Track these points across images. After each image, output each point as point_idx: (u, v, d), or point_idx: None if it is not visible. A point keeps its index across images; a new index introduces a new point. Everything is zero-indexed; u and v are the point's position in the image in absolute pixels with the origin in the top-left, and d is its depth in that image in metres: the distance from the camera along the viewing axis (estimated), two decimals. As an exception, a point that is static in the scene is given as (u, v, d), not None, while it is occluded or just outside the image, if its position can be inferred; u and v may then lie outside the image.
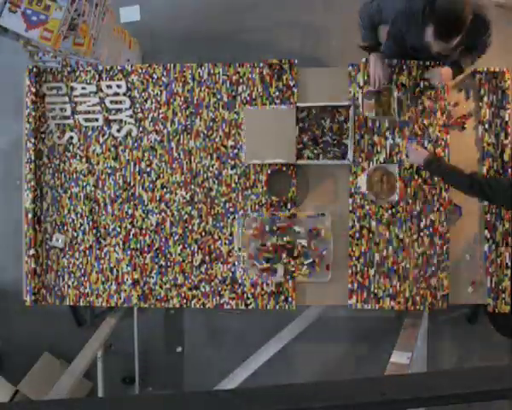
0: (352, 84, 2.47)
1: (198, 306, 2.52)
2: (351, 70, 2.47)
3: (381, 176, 2.40)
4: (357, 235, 2.45)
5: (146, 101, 2.55)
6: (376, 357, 2.78)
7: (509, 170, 2.42)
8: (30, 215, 2.55)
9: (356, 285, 2.45)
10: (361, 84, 2.46)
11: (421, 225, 2.43)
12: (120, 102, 2.56)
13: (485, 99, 2.44)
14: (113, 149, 2.56)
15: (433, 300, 2.42)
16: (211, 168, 2.51)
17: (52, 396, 2.33)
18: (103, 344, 2.88)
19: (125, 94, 2.56)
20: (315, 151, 2.44)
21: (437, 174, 2.32)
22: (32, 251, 2.55)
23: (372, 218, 2.44)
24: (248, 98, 2.50)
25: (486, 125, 2.43)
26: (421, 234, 2.43)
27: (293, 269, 2.42)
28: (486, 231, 2.42)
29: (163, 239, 2.53)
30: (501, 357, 3.22)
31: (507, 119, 2.43)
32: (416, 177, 2.43)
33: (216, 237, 2.51)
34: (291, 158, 2.42)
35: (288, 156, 2.42)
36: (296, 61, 2.49)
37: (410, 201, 2.43)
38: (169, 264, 2.53)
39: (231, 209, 2.50)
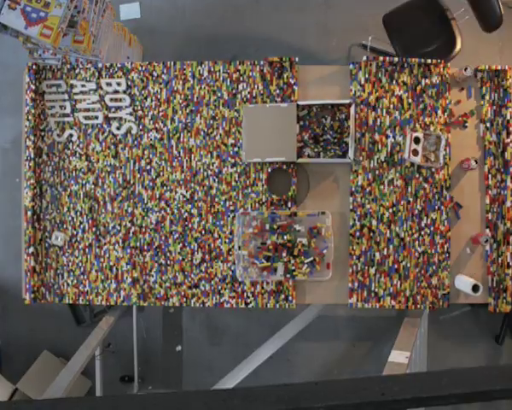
0: (353, 83, 2.46)
1: (198, 304, 2.51)
2: (352, 68, 2.47)
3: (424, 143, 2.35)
4: (358, 234, 2.44)
5: (146, 98, 2.54)
6: (376, 357, 2.78)
7: (511, 169, 2.41)
8: (29, 213, 2.55)
9: (356, 284, 2.44)
10: (362, 82, 2.45)
11: (422, 223, 2.42)
12: (120, 99, 2.55)
13: (487, 97, 2.43)
14: (112, 146, 2.55)
15: (434, 299, 2.42)
16: (211, 166, 2.51)
17: (49, 395, 2.33)
18: (102, 343, 2.87)
19: (124, 92, 2.55)
20: (315, 149, 2.43)
21: None
22: (31, 249, 2.55)
23: (373, 216, 2.44)
24: (249, 96, 2.49)
25: (488, 124, 2.43)
26: (422, 233, 2.42)
27: (294, 268, 2.41)
28: (488, 230, 2.42)
29: (163, 237, 2.53)
30: (501, 357, 3.22)
31: (508, 117, 2.42)
32: (417, 175, 2.43)
33: (216, 235, 2.50)
34: (291, 156, 2.41)
35: (288, 155, 2.41)
36: (297, 59, 2.48)
37: (411, 199, 2.43)
38: (169, 262, 2.52)
39: (231, 208, 2.49)
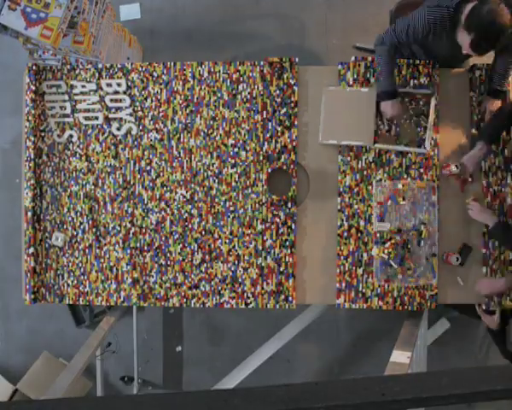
0: (341, 83, 2.45)
1: (198, 305, 2.51)
2: (340, 69, 2.46)
3: None
4: (346, 234, 2.45)
5: (146, 99, 2.54)
6: (377, 357, 2.78)
7: (511, 166, 2.41)
8: (29, 214, 2.55)
9: (344, 285, 2.45)
10: (350, 82, 2.44)
11: (411, 224, 2.42)
12: (120, 100, 2.55)
13: (486, 95, 2.42)
14: (112, 147, 2.55)
15: (422, 300, 2.42)
16: (211, 167, 2.51)
17: (50, 395, 2.32)
18: (102, 343, 2.87)
19: (125, 92, 2.55)
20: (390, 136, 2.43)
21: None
22: (31, 250, 2.55)
23: (360, 217, 2.44)
24: (249, 97, 2.49)
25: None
26: (411, 234, 2.42)
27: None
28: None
29: (163, 238, 2.53)
30: (501, 357, 3.22)
31: None
32: (405, 176, 2.42)
33: (216, 236, 2.50)
34: (369, 140, 2.39)
35: (365, 138, 2.39)
36: (297, 60, 2.48)
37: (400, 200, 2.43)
38: (169, 263, 2.52)
39: (231, 208, 2.49)
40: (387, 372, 2.02)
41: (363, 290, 2.44)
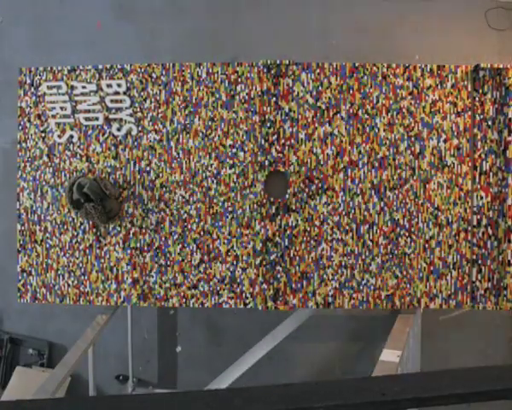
0: None
1: (197, 305, 2.52)
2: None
3: None
4: None
5: (145, 100, 2.54)
6: (377, 357, 2.77)
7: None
8: (30, 214, 2.55)
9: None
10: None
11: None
12: (120, 100, 2.55)
13: (489, 95, 2.42)
14: (113, 148, 2.55)
15: (415, 299, 2.43)
16: (209, 168, 2.51)
17: (45, 388, 2.30)
18: (96, 340, 2.84)
19: (125, 93, 2.55)
20: None
21: None
22: (31, 250, 2.55)
23: None
24: (247, 97, 2.49)
25: (490, 122, 2.42)
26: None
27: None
28: (489, 228, 2.42)
29: (163, 238, 2.53)
30: (501, 357, 3.22)
31: (510, 115, 2.41)
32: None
33: (215, 236, 2.50)
34: None
35: None
36: (295, 61, 2.48)
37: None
38: (168, 263, 2.52)
39: (230, 209, 2.49)
40: (376, 371, 2.01)
41: (363, 290, 2.45)
